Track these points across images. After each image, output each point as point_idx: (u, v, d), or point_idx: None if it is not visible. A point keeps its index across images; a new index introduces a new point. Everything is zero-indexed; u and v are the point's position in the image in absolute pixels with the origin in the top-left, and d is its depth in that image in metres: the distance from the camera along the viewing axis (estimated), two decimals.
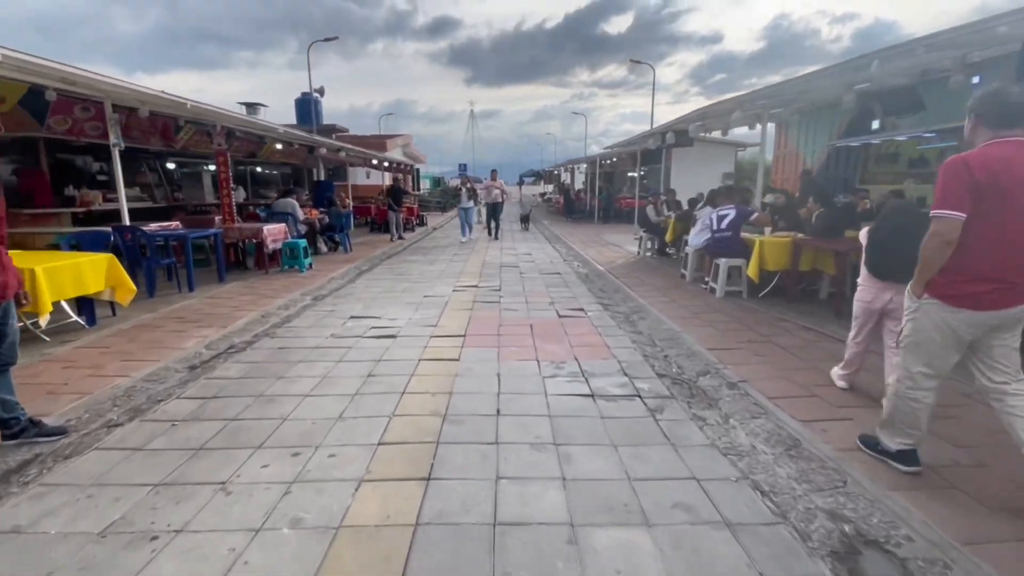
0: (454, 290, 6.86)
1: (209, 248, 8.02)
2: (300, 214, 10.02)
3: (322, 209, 11.01)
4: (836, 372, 3.48)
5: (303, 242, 8.50)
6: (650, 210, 9.80)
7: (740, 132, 12.22)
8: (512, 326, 5.10)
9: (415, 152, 34.61)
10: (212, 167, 16.17)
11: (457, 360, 4.09)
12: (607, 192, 20.63)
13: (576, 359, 4.11)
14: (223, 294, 6.56)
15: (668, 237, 9.53)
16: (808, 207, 6.62)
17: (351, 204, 17.09)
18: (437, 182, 38.22)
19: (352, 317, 5.45)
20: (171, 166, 12.12)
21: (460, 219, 13.08)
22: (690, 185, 22.15)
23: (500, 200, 13.20)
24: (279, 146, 13.02)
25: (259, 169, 16.62)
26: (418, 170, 24.38)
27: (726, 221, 6.20)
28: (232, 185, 9.21)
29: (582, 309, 5.82)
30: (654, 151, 22.29)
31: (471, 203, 12.95)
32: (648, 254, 10.02)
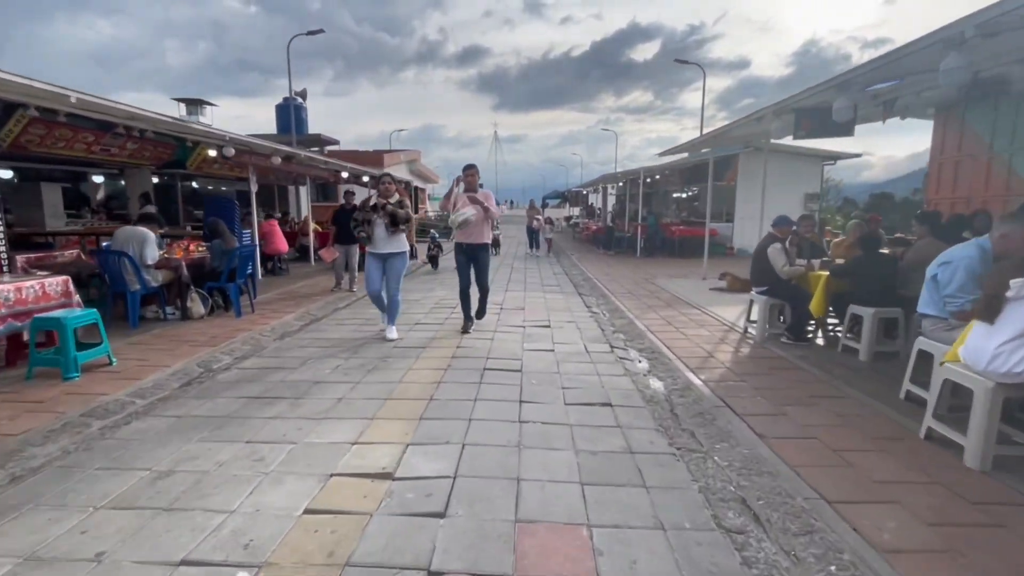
0: (308, 510, 2.34)
1: None
2: (152, 252, 5.79)
3: (204, 245, 6.76)
4: None
5: (79, 317, 4.17)
6: (775, 252, 5.16)
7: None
8: None
9: (424, 170, 30.79)
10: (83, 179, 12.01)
11: None
12: (654, 217, 16.02)
13: None
14: None
15: (814, 307, 4.90)
16: None
17: (315, 228, 12.96)
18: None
19: None
20: (7, 175, 8.12)
21: (367, 282, 5.30)
22: (760, 209, 17.33)
23: (484, 240, 5.49)
24: (212, 152, 9.03)
25: (196, 184, 12.69)
26: (417, 189, 20.24)
27: None
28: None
29: None
30: (702, 167, 17.67)
31: (397, 243, 5.16)
32: (767, 333, 5.37)
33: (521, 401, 3.63)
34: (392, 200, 5.13)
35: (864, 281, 4.64)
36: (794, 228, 5.66)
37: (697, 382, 4.03)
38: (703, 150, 11.07)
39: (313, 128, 21.65)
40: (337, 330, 5.81)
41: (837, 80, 4.83)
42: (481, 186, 5.64)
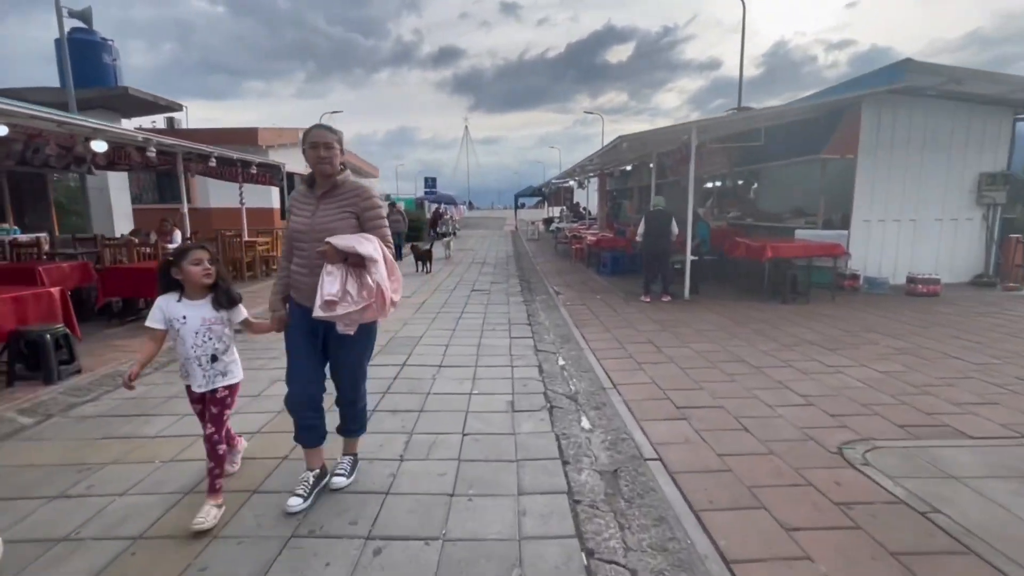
0: None
1: None
2: None
3: None
4: None
5: None
6: None
7: None
8: None
9: (353, 160, 22.94)
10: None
11: None
12: (704, 223, 8.67)
13: None
14: None
15: None
16: None
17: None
18: (416, 204, 34.70)
19: None
20: None
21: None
22: (890, 196, 9.92)
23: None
24: None
25: None
26: (288, 175, 12.19)
27: None
28: None
29: None
30: (758, 134, 10.40)
31: None
32: None
33: None
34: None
35: None
36: None
37: None
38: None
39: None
40: None
41: None
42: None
